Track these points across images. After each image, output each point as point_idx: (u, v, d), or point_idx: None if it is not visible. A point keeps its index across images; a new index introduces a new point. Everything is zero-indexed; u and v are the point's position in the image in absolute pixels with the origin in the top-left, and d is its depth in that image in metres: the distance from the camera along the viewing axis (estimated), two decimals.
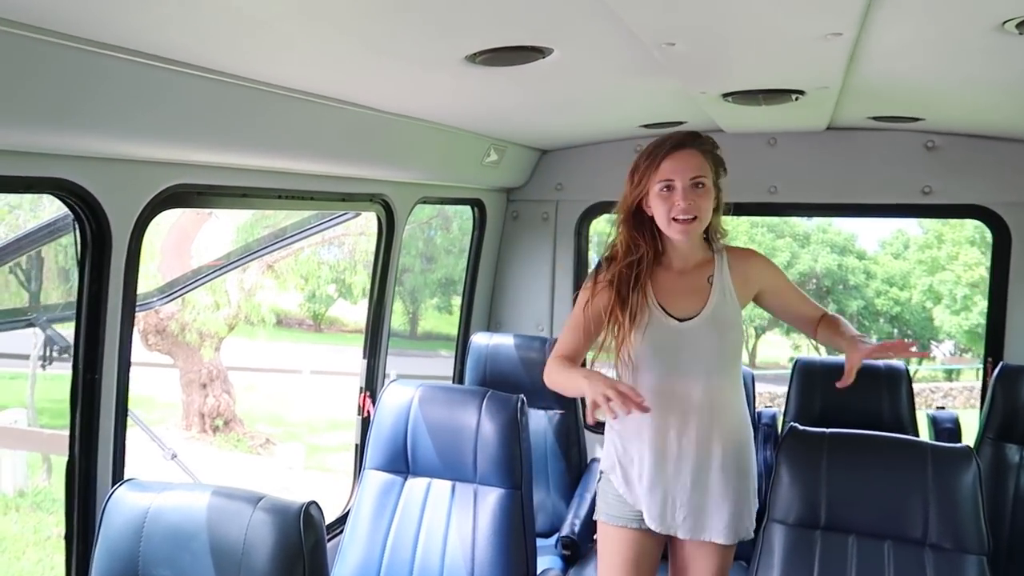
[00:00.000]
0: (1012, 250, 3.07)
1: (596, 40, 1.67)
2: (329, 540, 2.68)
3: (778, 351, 19.28)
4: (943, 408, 3.31)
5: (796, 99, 2.22)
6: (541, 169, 3.66)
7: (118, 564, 1.66)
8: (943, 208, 3.22)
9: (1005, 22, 1.40)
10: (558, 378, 2.20)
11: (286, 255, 14.80)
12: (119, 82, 1.52)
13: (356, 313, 19.00)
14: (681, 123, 3.02)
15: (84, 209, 1.75)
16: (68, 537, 1.87)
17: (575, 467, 3.27)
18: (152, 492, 1.70)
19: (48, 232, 2.43)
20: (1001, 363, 2.87)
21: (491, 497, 2.35)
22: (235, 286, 14.09)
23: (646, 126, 3.10)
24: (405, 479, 2.45)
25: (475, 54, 1.71)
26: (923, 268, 19.16)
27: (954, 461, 2.01)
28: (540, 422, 3.28)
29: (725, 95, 2.24)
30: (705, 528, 2.17)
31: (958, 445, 2.06)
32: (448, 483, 2.41)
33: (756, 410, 3.39)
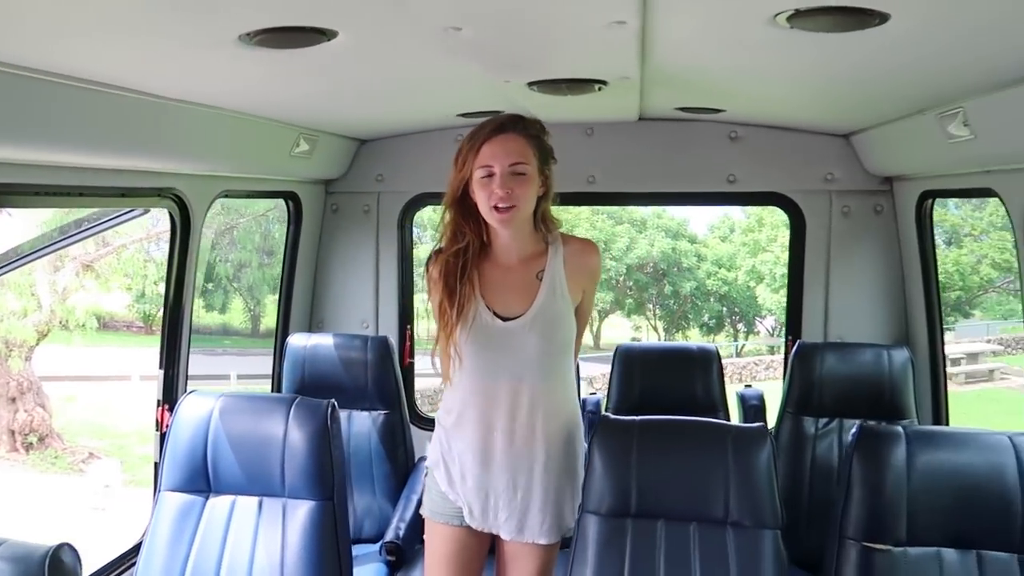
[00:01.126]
0: (807, 235, 3.28)
1: (383, 23, 1.56)
2: (122, 574, 2.44)
3: (620, 332, 20.10)
4: (750, 386, 3.54)
5: (599, 89, 2.23)
6: (360, 160, 3.51)
7: None
8: (746, 196, 3.39)
9: (776, 15, 1.43)
10: None
11: (105, 253, 13.64)
12: None
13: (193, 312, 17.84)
14: (498, 112, 2.97)
15: None
16: None
17: (402, 468, 3.17)
18: None
19: None
20: (798, 341, 3.06)
21: (301, 511, 2.20)
22: (46, 289, 12.86)
23: (464, 115, 3.03)
24: (206, 499, 2.25)
25: (250, 34, 1.55)
26: (747, 250, 20.58)
27: (751, 440, 2.08)
28: (364, 424, 3.16)
29: (530, 84, 2.21)
30: (527, 529, 2.16)
31: (754, 425, 2.14)
32: (254, 499, 2.23)
33: (581, 398, 3.44)
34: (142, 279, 15.57)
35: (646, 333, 20.65)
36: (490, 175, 2.00)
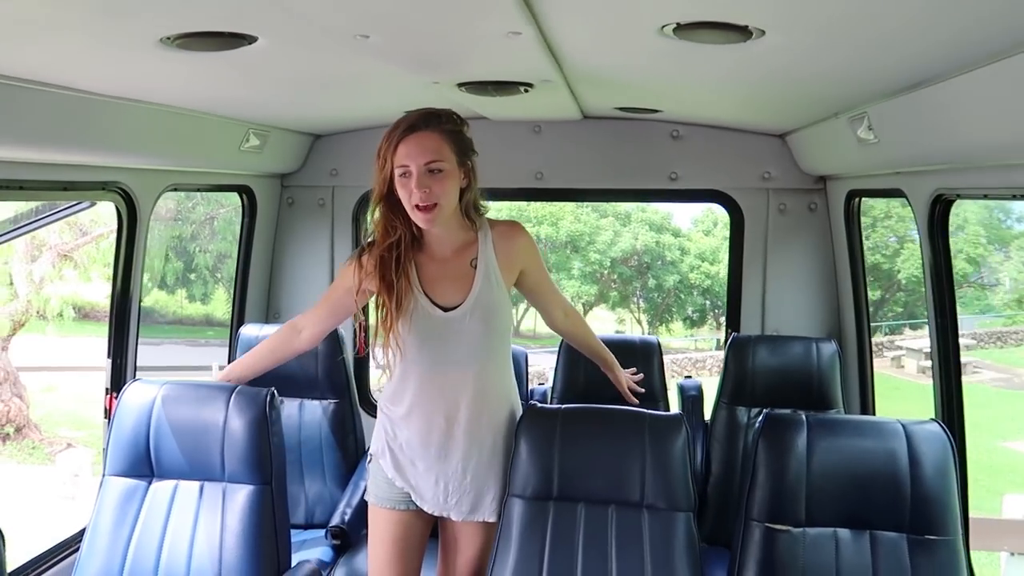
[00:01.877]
0: (745, 232, 3.39)
1: (298, 30, 1.64)
2: (66, 558, 2.52)
3: (605, 325, 20.20)
4: (690, 377, 3.65)
5: (526, 91, 2.31)
6: (315, 154, 3.59)
7: None
8: (688, 193, 3.49)
9: (663, 26, 1.52)
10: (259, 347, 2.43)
11: (84, 242, 13.59)
12: None
13: (174, 303, 17.85)
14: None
15: None
16: None
17: (351, 456, 3.26)
18: None
19: None
20: (732, 334, 3.17)
21: (240, 495, 2.29)
22: (23, 279, 12.81)
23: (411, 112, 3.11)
24: (149, 483, 2.33)
25: (170, 37, 1.63)
26: (729, 244, 20.65)
27: (667, 428, 2.19)
28: (315, 413, 3.24)
29: (459, 85, 2.29)
30: (478, 509, 2.24)
31: (671, 413, 2.25)
32: (196, 484, 2.32)
33: (529, 387, 3.54)
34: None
35: (630, 326, 20.75)
36: (407, 174, 2.03)
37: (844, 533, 2.04)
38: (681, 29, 1.51)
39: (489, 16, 1.43)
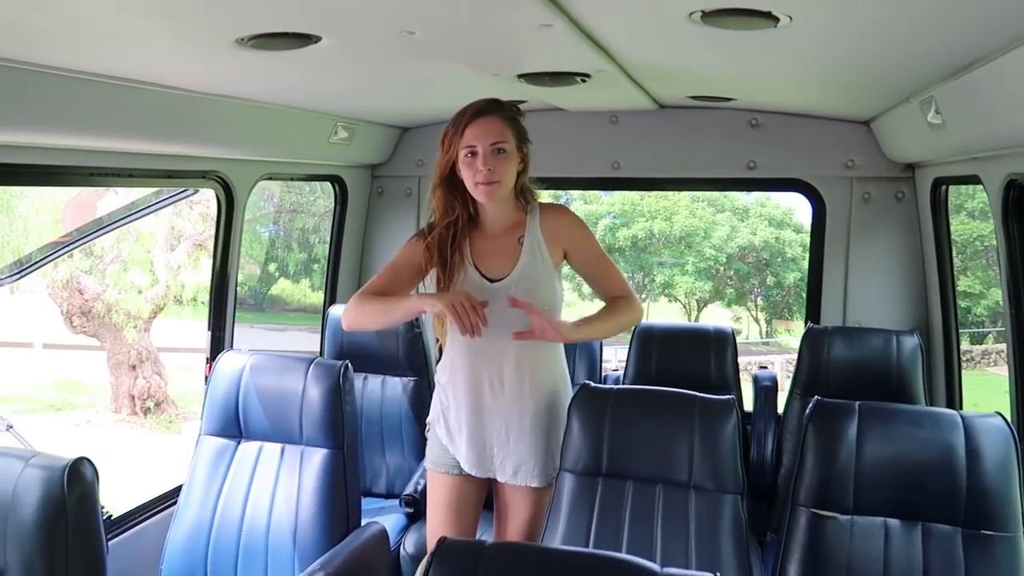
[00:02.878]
0: (827, 221, 3.31)
1: (355, 27, 1.78)
2: (166, 508, 2.81)
3: (722, 323, 19.68)
4: (765, 368, 3.58)
5: (583, 81, 2.37)
6: (403, 146, 3.78)
7: None
8: (767, 181, 3.44)
9: (691, 13, 1.56)
10: (373, 307, 2.28)
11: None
12: None
13: (298, 292, 18.83)
14: (522, 102, 3.15)
15: None
16: None
17: None
18: None
19: None
20: (808, 325, 3.10)
21: (316, 457, 2.48)
22: (162, 266, 13.90)
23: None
24: (238, 443, 2.57)
25: (244, 38, 1.81)
26: None
27: (718, 411, 2.21)
28: (396, 389, 3.43)
29: (518, 77, 2.38)
30: (520, 472, 2.35)
31: (723, 397, 2.25)
32: (278, 446, 2.53)
33: (603, 374, 3.60)
34: (249, 258, 16.52)
35: (747, 324, 20.17)
36: (474, 154, 2.19)
37: (894, 523, 1.99)
38: (708, 16, 1.54)
39: (516, 9, 1.51)
